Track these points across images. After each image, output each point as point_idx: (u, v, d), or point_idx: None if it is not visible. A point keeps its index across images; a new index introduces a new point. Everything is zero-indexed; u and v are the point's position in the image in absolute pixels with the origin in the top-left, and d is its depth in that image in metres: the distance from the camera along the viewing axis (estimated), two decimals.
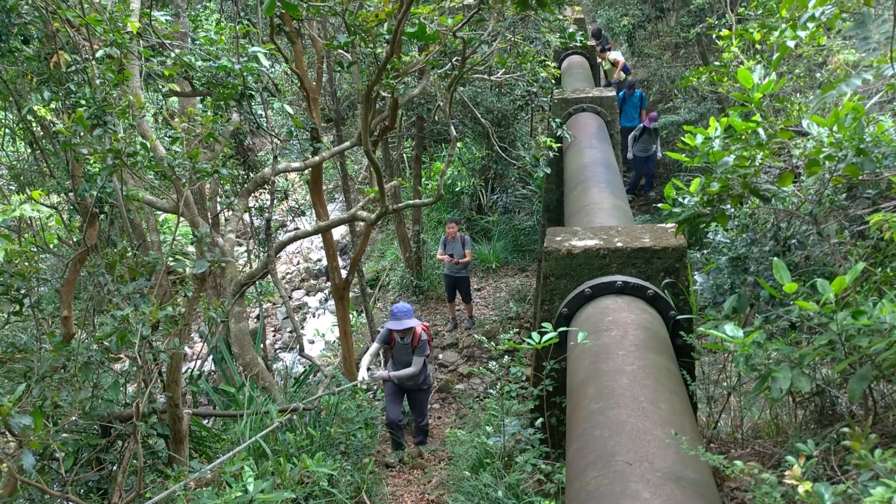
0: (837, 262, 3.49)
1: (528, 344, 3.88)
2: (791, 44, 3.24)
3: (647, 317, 3.86)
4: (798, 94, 5.75)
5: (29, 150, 6.91)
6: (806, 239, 3.84)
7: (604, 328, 3.67)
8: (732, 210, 3.84)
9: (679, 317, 4.09)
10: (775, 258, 2.82)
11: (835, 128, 2.93)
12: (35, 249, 4.76)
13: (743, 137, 3.19)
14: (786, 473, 2.06)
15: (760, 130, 3.14)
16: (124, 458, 4.17)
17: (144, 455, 4.88)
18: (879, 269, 3.23)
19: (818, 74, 5.73)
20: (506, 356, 4.67)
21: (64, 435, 4.51)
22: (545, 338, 3.80)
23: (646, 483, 2.37)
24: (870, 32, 3.39)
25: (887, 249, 3.27)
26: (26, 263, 3.87)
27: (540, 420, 4.45)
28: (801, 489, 1.98)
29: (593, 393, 3.11)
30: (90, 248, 4.77)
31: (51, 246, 5.81)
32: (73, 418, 4.67)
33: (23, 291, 3.94)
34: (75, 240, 5.32)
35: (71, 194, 4.77)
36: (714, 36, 6.32)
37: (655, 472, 2.42)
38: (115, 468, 4.78)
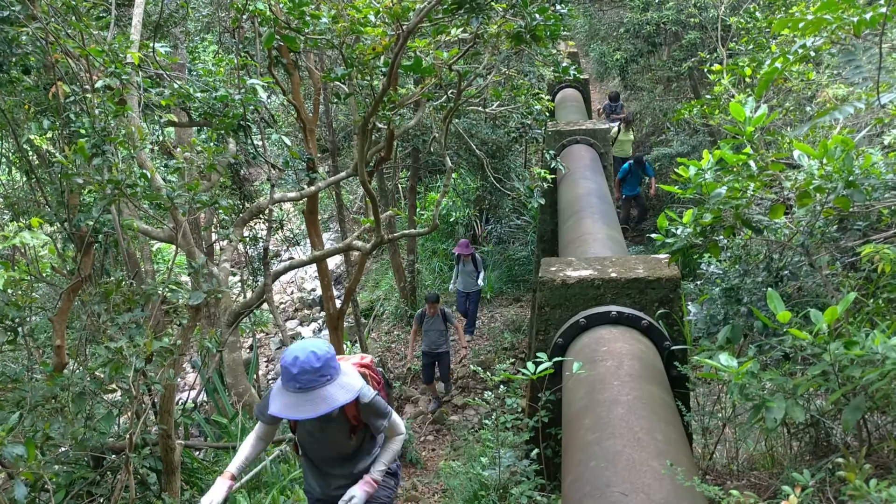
0: (830, 293, 3.52)
1: (524, 374, 3.88)
2: (779, 66, 3.31)
3: (642, 347, 3.87)
4: (788, 128, 5.84)
5: (24, 179, 6.93)
6: (798, 270, 3.87)
7: (599, 358, 3.67)
8: (725, 241, 3.87)
9: (673, 347, 4.10)
10: (769, 289, 2.85)
11: (824, 160, 2.97)
12: (29, 278, 4.75)
13: (735, 169, 3.24)
14: (782, 503, 2.06)
15: (752, 163, 3.19)
16: (115, 490, 4.12)
17: (135, 487, 4.82)
18: (871, 300, 3.26)
19: (808, 108, 5.82)
20: (501, 386, 4.65)
21: (55, 466, 4.46)
22: (540, 368, 3.80)
23: None
24: (860, 62, 3.46)
25: (878, 281, 3.30)
26: (20, 292, 3.86)
27: (535, 451, 4.42)
28: None
29: (589, 424, 3.10)
30: (84, 277, 4.77)
31: (44, 275, 5.80)
32: (64, 449, 4.62)
33: (16, 321, 3.93)
34: (69, 269, 5.32)
35: (66, 223, 4.78)
36: (706, 70, 6.43)
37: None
38: (105, 501, 4.72)
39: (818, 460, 3.65)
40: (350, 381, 2.98)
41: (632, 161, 12.25)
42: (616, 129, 12.90)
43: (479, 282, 10.37)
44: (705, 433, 4.29)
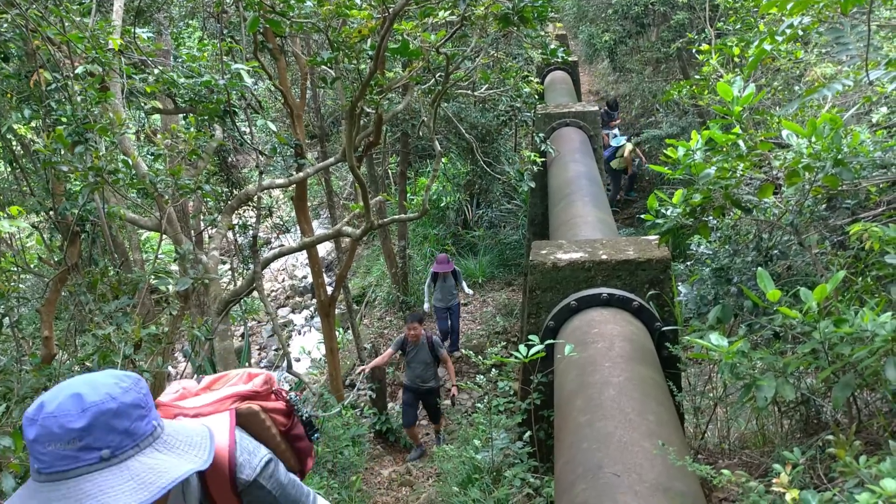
0: (819, 272, 3.52)
1: (516, 358, 3.88)
2: (767, 47, 3.30)
3: (633, 328, 3.87)
4: (777, 108, 5.83)
5: (8, 169, 6.85)
6: (787, 249, 3.87)
7: (590, 340, 3.68)
8: (715, 221, 3.87)
9: (664, 328, 4.11)
10: (759, 268, 2.84)
11: (813, 139, 2.96)
12: (15, 269, 4.70)
13: (724, 149, 3.23)
14: (773, 482, 2.06)
15: (741, 142, 3.18)
16: None
17: None
18: (860, 278, 3.27)
19: (796, 87, 5.81)
20: (493, 370, 4.66)
21: None
22: (532, 351, 3.80)
23: (634, 495, 2.36)
24: (848, 40, 3.45)
25: (867, 259, 3.30)
26: (6, 283, 3.82)
27: (528, 434, 4.44)
28: (788, 497, 1.98)
29: (580, 405, 3.11)
30: (71, 267, 4.72)
31: (31, 265, 5.74)
32: None
33: (2, 311, 3.89)
34: (56, 259, 5.27)
35: (51, 213, 4.72)
36: (694, 51, 6.40)
37: (644, 484, 2.41)
38: None
39: (809, 438, 3.68)
40: (172, 463, 1.43)
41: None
42: (627, 143, 12.65)
43: (467, 290, 10.24)
44: (697, 413, 4.31)
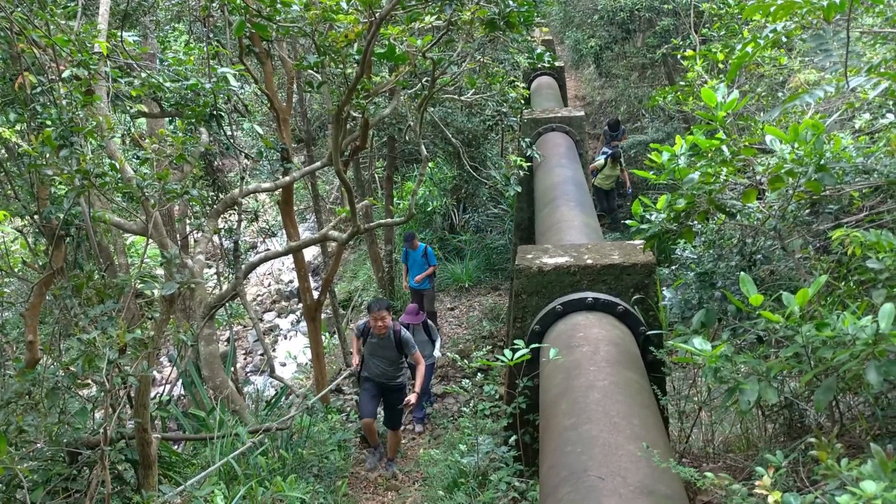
0: (802, 276, 3.56)
1: (501, 361, 3.89)
2: (749, 50, 3.33)
3: (618, 332, 3.89)
4: (761, 113, 5.89)
5: None
6: (771, 254, 3.91)
7: (575, 344, 3.69)
8: (699, 226, 3.90)
9: (649, 332, 4.13)
10: (742, 272, 2.87)
11: (796, 144, 3.00)
12: None
13: (708, 155, 3.26)
14: (756, 484, 2.08)
15: (724, 148, 3.21)
16: (91, 485, 4.07)
17: (112, 482, 4.77)
18: (842, 282, 3.30)
19: (780, 93, 5.88)
20: (479, 374, 4.66)
21: (31, 463, 4.39)
22: (517, 355, 3.81)
23: (618, 497, 2.38)
24: (830, 46, 3.50)
25: (849, 263, 3.34)
26: None
27: (514, 438, 4.45)
28: (770, 499, 2.00)
29: (566, 409, 3.12)
30: (56, 271, 4.69)
31: (15, 269, 5.70)
32: (39, 445, 4.56)
33: None
34: (41, 263, 5.23)
35: (36, 217, 4.69)
36: (679, 56, 6.46)
37: (628, 487, 2.43)
38: (82, 496, 4.67)
39: (792, 441, 3.71)
40: None
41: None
42: (602, 161, 12.24)
43: (436, 352, 8.15)
44: (681, 417, 4.34)
